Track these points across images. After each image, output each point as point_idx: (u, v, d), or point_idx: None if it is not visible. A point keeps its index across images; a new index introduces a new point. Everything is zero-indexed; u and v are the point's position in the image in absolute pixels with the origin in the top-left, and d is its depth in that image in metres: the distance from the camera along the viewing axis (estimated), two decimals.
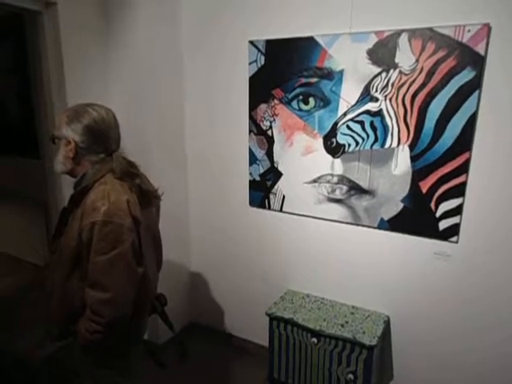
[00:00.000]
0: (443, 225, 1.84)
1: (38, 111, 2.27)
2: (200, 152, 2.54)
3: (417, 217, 1.89)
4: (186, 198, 2.63)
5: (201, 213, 2.63)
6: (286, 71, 2.08)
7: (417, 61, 1.75)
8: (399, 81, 1.80)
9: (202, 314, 2.77)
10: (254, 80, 2.20)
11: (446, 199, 1.81)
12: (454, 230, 1.82)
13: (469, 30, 1.63)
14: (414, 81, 1.77)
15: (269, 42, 2.10)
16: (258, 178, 2.32)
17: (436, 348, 1.98)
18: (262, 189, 2.31)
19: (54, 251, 1.31)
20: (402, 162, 1.87)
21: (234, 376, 2.40)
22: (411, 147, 1.84)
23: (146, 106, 2.28)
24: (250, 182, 2.35)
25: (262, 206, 2.34)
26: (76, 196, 1.25)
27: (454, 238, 1.83)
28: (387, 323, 2.05)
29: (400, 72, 1.80)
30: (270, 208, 2.32)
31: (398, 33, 1.77)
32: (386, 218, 1.97)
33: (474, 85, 1.66)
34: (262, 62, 2.15)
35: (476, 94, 1.66)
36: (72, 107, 1.29)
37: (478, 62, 1.64)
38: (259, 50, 2.14)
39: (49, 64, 2.03)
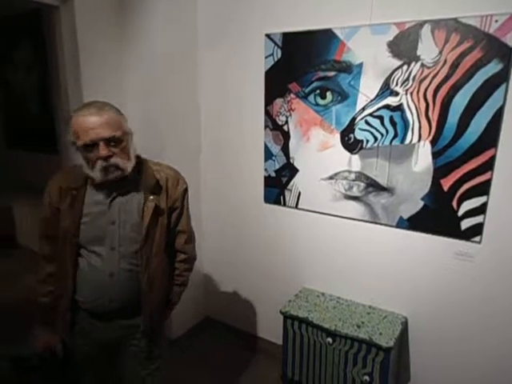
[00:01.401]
0: (465, 224, 1.76)
1: (55, 107, 2.29)
2: (214, 147, 2.52)
3: (438, 215, 1.82)
4: (198, 193, 2.61)
5: (214, 208, 2.62)
6: (303, 65, 2.03)
7: (440, 53, 1.68)
8: (421, 74, 1.74)
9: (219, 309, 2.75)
10: (270, 74, 2.16)
11: (469, 198, 1.74)
12: (476, 230, 1.75)
13: (496, 20, 1.55)
14: (436, 74, 1.70)
15: (286, 35, 2.06)
16: (273, 174, 2.28)
17: (455, 350, 1.92)
18: (278, 185, 2.28)
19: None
20: (422, 158, 1.81)
21: (248, 374, 2.38)
22: (433, 143, 1.77)
23: (161, 100, 2.27)
24: (265, 177, 2.32)
25: (277, 202, 2.31)
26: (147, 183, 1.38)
27: (477, 238, 1.75)
28: (405, 324, 1.99)
29: (422, 65, 1.73)
30: (285, 204, 2.28)
31: (421, 24, 1.70)
32: (405, 217, 1.90)
33: (501, 78, 1.58)
34: (279, 56, 2.10)
35: (503, 87, 1.58)
36: (103, 103, 1.27)
37: (505, 53, 1.55)
38: (276, 44, 2.10)
39: (65, 59, 2.04)
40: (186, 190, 1.47)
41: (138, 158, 1.38)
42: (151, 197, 1.35)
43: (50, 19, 2.05)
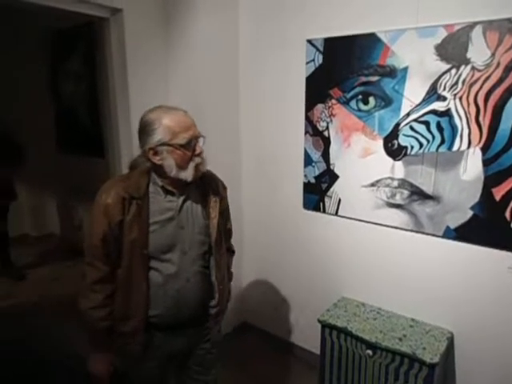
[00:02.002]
0: None
1: (103, 114, 2.40)
2: (254, 152, 2.53)
3: (488, 226, 1.72)
4: (239, 199, 2.64)
5: (254, 214, 2.63)
6: (345, 70, 2.00)
7: (492, 55, 1.59)
8: (471, 78, 1.66)
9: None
10: (311, 80, 2.15)
11: None
12: None
13: None
14: (488, 77, 1.62)
15: (327, 41, 2.04)
16: (312, 181, 2.26)
17: (506, 370, 1.79)
18: (317, 191, 2.25)
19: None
20: (472, 166, 1.72)
21: (283, 381, 2.36)
22: (484, 150, 1.68)
23: (204, 107, 2.31)
24: (304, 184, 2.30)
25: (316, 209, 2.28)
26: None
27: None
28: (451, 340, 1.89)
29: (472, 68, 1.65)
30: (324, 211, 2.25)
31: (471, 25, 1.62)
32: (452, 227, 1.82)
33: None
34: (320, 61, 2.09)
35: None
36: (170, 107, 1.30)
37: None
38: (317, 49, 2.08)
39: (114, 68, 2.14)
40: (226, 189, 1.54)
41: None
42: (214, 198, 1.40)
43: (100, 31, 2.15)
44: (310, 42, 2.10)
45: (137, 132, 1.28)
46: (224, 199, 1.48)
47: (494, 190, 1.68)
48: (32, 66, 3.85)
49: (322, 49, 2.07)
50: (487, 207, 1.71)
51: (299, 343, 2.55)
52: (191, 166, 1.25)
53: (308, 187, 2.29)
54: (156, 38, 2.26)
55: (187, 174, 1.25)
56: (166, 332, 1.35)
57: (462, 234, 1.80)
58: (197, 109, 2.33)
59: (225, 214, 1.51)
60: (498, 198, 1.68)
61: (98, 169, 3.13)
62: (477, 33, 1.61)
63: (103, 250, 1.25)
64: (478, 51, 1.62)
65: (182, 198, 1.32)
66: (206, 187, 1.40)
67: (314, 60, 2.11)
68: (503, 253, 1.71)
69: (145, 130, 1.24)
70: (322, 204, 2.25)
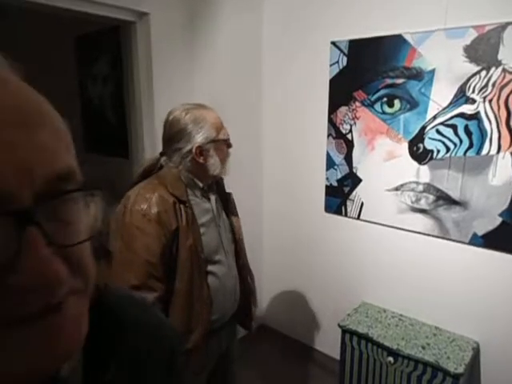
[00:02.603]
0: None
1: (128, 116, 2.45)
2: (276, 154, 2.53)
3: None
4: (260, 199, 2.64)
5: (274, 216, 2.62)
6: (370, 72, 1.97)
7: None
8: (502, 80, 1.60)
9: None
10: (334, 82, 2.13)
11: None
12: None
13: None
14: None
15: (352, 43, 2.01)
16: (334, 184, 2.23)
17: None
18: (339, 195, 2.22)
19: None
20: (502, 171, 1.66)
21: None
22: None
23: (228, 109, 2.32)
24: (326, 187, 2.28)
25: (338, 212, 2.25)
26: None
27: None
28: (476, 350, 1.83)
29: (504, 70, 1.59)
30: (346, 215, 2.22)
31: (503, 26, 1.57)
32: (479, 233, 1.76)
33: None
34: (344, 64, 2.06)
35: None
36: (199, 104, 1.31)
37: None
38: (341, 51, 2.06)
39: (139, 72, 2.17)
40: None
41: None
42: (227, 194, 1.42)
43: (127, 34, 2.20)
44: (334, 43, 2.08)
45: (166, 134, 1.23)
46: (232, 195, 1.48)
47: None
48: (60, 70, 3.97)
49: (346, 51, 2.04)
50: None
51: (318, 347, 2.52)
52: (227, 163, 1.28)
53: (330, 190, 2.26)
54: (181, 41, 2.29)
55: (224, 171, 1.27)
56: (218, 334, 1.32)
57: (490, 241, 1.74)
58: (221, 111, 2.34)
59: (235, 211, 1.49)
60: None
61: (123, 169, 3.20)
62: (509, 33, 1.56)
63: (162, 266, 1.12)
64: (510, 53, 1.57)
65: (213, 198, 1.32)
66: (219, 188, 1.40)
67: (338, 62, 2.09)
68: None
69: (186, 129, 1.18)
70: (344, 207, 2.22)
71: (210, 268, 1.24)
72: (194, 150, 1.19)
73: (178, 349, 0.48)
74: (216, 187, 1.37)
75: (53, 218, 0.27)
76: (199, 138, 1.18)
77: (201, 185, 1.26)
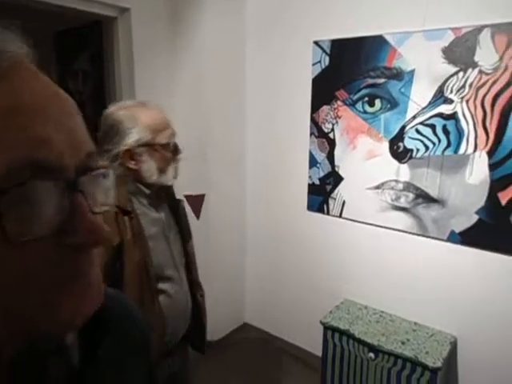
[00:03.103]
0: None
1: None
2: (259, 153, 2.53)
3: (494, 231, 1.71)
4: (243, 199, 2.64)
5: (257, 214, 2.63)
6: (352, 72, 2.00)
7: (500, 59, 1.59)
8: (479, 81, 1.65)
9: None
10: (317, 81, 2.15)
11: None
12: None
13: None
14: (496, 81, 1.61)
15: (334, 42, 2.03)
16: (317, 182, 2.25)
17: (509, 377, 1.78)
18: (321, 193, 2.25)
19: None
20: (478, 169, 1.71)
21: (285, 383, 2.35)
22: (490, 154, 1.67)
23: (210, 107, 2.32)
24: (308, 185, 2.30)
25: (320, 210, 2.28)
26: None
27: None
28: (454, 345, 1.88)
29: (480, 71, 1.64)
30: (328, 213, 2.24)
31: (479, 29, 1.62)
32: (457, 231, 1.81)
33: None
34: (327, 63, 2.08)
35: None
36: (143, 102, 1.16)
37: None
38: (324, 51, 2.08)
39: (121, 67, 2.15)
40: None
41: None
42: (176, 200, 1.27)
43: (108, 30, 2.17)
44: (316, 43, 2.10)
45: (98, 133, 1.09)
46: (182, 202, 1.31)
47: (499, 195, 1.67)
48: (39, 65, 3.88)
49: (328, 50, 2.06)
50: (493, 212, 1.70)
51: (301, 345, 2.54)
52: (171, 169, 1.11)
53: (312, 189, 2.28)
54: (164, 37, 2.27)
55: (168, 178, 1.11)
56: (170, 355, 1.19)
57: (467, 238, 1.78)
58: (203, 109, 2.35)
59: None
60: (503, 202, 1.67)
61: None
62: (485, 36, 1.61)
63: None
64: (486, 54, 1.61)
65: (163, 206, 1.19)
66: (166, 190, 1.24)
67: (320, 61, 2.11)
68: (509, 257, 1.70)
69: (116, 129, 1.05)
70: (326, 206, 2.24)
71: (161, 286, 1.12)
72: (120, 154, 1.05)
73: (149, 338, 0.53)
74: (165, 194, 1.23)
75: (85, 188, 0.32)
76: (129, 140, 1.04)
77: (147, 192, 1.12)
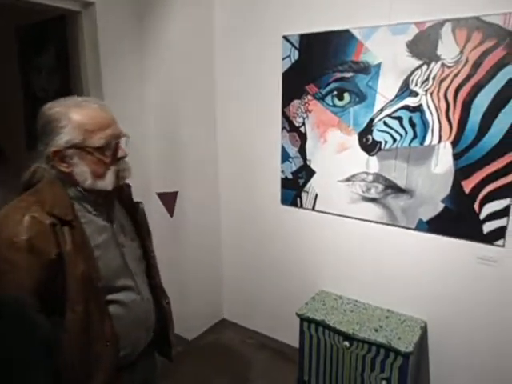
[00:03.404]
0: (488, 227, 1.72)
1: None
2: (231, 149, 2.53)
3: (459, 218, 1.78)
4: (217, 196, 2.63)
5: (231, 210, 2.63)
6: (321, 66, 2.02)
7: (461, 52, 1.64)
8: (441, 74, 1.70)
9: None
10: (287, 76, 2.16)
11: (492, 200, 1.69)
12: (499, 233, 1.70)
13: None
14: (457, 73, 1.67)
15: (303, 37, 2.05)
16: (290, 176, 2.27)
17: (477, 358, 1.86)
18: (294, 187, 2.27)
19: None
20: (443, 159, 1.77)
21: (263, 376, 2.37)
22: (454, 144, 1.73)
23: (180, 102, 2.30)
24: (281, 179, 2.31)
25: (293, 204, 2.30)
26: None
27: (500, 242, 1.70)
28: (424, 329, 1.95)
29: (442, 64, 1.69)
30: (302, 206, 2.27)
31: (441, 23, 1.67)
32: (424, 219, 1.87)
33: None
34: (296, 57, 2.10)
35: None
36: (83, 98, 1.05)
37: None
38: (293, 45, 2.09)
39: (87, 63, 2.09)
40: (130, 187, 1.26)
41: None
42: (135, 203, 1.19)
43: (72, 25, 2.10)
44: (285, 38, 2.11)
45: (38, 132, 1.00)
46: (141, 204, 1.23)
47: (463, 183, 1.74)
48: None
49: (297, 45, 2.08)
50: (457, 200, 1.77)
51: (278, 337, 2.57)
52: (110, 172, 1.00)
53: (285, 183, 2.30)
54: (131, 32, 2.23)
55: (106, 183, 1.00)
56: (132, 368, 1.12)
57: (434, 226, 1.85)
58: (174, 105, 2.32)
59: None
60: (467, 190, 1.74)
61: None
62: (446, 30, 1.66)
63: (39, 304, 0.88)
64: (448, 48, 1.67)
65: (114, 211, 1.10)
66: (121, 194, 1.16)
67: (289, 56, 2.12)
68: (473, 243, 1.77)
69: (49, 128, 0.95)
70: (299, 199, 2.27)
71: (113, 296, 1.03)
72: (50, 155, 0.96)
73: None
74: (119, 196, 1.15)
75: None
76: (59, 141, 0.94)
77: (92, 197, 1.02)
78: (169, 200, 2.44)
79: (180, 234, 2.48)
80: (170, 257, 2.40)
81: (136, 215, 1.19)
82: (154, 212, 2.40)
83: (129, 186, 1.21)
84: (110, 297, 1.02)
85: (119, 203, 1.15)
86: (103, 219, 1.05)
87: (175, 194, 2.42)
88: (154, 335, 1.20)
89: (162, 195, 2.46)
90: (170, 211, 2.46)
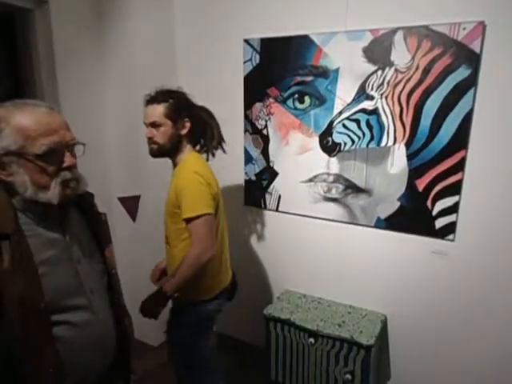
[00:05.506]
0: (440, 223, 1.83)
1: None
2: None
3: (413, 215, 1.88)
4: None
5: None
6: (281, 70, 2.06)
7: (412, 59, 1.74)
8: (395, 79, 1.80)
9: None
10: (248, 79, 2.19)
11: (443, 197, 1.80)
12: (450, 229, 1.82)
13: (464, 28, 1.63)
14: (409, 79, 1.77)
15: (264, 41, 2.09)
16: (253, 178, 2.30)
17: (433, 348, 1.97)
18: (258, 188, 2.30)
19: None
20: (398, 160, 1.87)
21: (231, 379, 2.37)
22: (407, 145, 1.83)
23: (140, 104, 2.25)
24: (245, 181, 2.34)
25: (257, 205, 2.33)
26: None
27: (451, 236, 1.82)
28: (384, 323, 2.04)
29: (396, 70, 1.79)
30: (265, 207, 2.30)
31: (394, 31, 1.76)
32: (382, 217, 1.96)
33: (470, 83, 1.66)
34: (257, 61, 2.13)
35: (472, 91, 1.66)
36: (29, 101, 0.96)
37: (473, 59, 1.63)
38: (254, 49, 2.12)
39: (40, 66, 2.00)
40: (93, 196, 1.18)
41: None
42: (99, 214, 1.12)
43: (23, 24, 2.00)
44: (246, 41, 2.14)
45: None
46: (102, 215, 1.16)
47: (417, 182, 1.84)
48: None
49: (258, 49, 2.11)
50: (412, 198, 1.87)
51: (245, 339, 2.58)
52: (54, 184, 0.90)
53: (249, 184, 2.33)
54: (88, 33, 2.16)
55: (49, 195, 0.90)
56: None
57: (391, 223, 1.94)
58: (135, 107, 2.27)
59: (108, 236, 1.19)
60: (420, 189, 1.84)
61: None
62: (399, 38, 1.76)
63: None
64: (400, 54, 1.77)
65: (70, 223, 1.02)
66: (82, 203, 1.09)
67: (251, 59, 2.15)
68: (427, 238, 1.88)
69: None
70: (263, 200, 2.30)
71: (60, 317, 0.94)
72: None
73: None
74: (80, 206, 1.07)
75: None
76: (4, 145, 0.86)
77: (39, 208, 0.93)
78: (131, 204, 2.39)
79: (142, 238, 2.43)
80: (132, 259, 2.36)
81: (97, 227, 1.11)
82: (121, 215, 2.34)
83: (91, 195, 1.14)
84: (56, 317, 0.92)
85: (80, 213, 1.08)
86: (54, 232, 0.96)
87: (138, 197, 2.37)
88: (115, 358, 1.09)
89: (123, 199, 2.40)
90: (133, 216, 2.41)
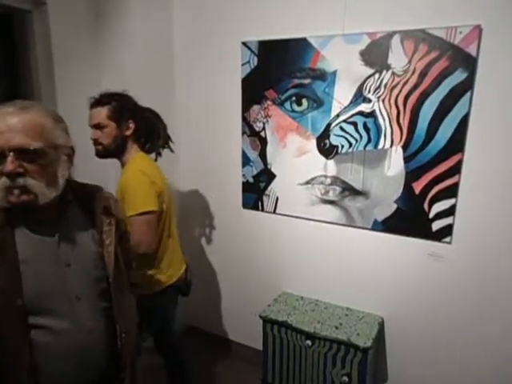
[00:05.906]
0: (436, 226, 1.84)
1: None
2: (192, 153, 2.52)
3: (410, 218, 1.89)
4: (177, 200, 2.60)
5: (193, 214, 2.61)
6: (279, 72, 2.07)
7: (409, 62, 1.76)
8: (392, 82, 1.81)
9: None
10: (246, 81, 2.19)
11: (439, 200, 1.81)
12: (447, 231, 1.82)
13: (460, 32, 1.64)
14: (406, 82, 1.78)
15: (262, 43, 2.09)
16: (251, 180, 2.30)
17: (430, 349, 1.98)
18: (256, 190, 2.30)
19: None
20: (395, 163, 1.87)
21: (228, 381, 2.37)
22: (404, 148, 1.84)
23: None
24: (243, 183, 2.34)
25: (255, 207, 2.33)
26: None
27: (448, 239, 1.83)
28: (381, 325, 2.04)
29: (393, 73, 1.80)
30: (263, 210, 2.30)
31: (391, 34, 1.77)
32: (379, 220, 1.96)
33: (466, 86, 1.67)
34: (255, 63, 2.14)
35: (468, 94, 1.67)
36: (34, 103, 1.01)
37: (469, 63, 1.64)
38: (252, 51, 2.13)
39: (38, 68, 2.00)
40: (118, 202, 1.20)
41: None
42: (107, 219, 1.07)
43: (21, 25, 2.00)
44: (244, 44, 2.14)
45: None
46: (121, 220, 1.15)
47: (414, 185, 1.85)
48: None
49: (256, 51, 2.12)
50: (409, 200, 1.87)
51: (243, 341, 2.58)
52: (12, 193, 0.88)
53: (246, 186, 2.33)
54: (86, 34, 2.16)
55: (15, 198, 0.88)
56: None
57: (388, 225, 1.95)
58: None
59: (125, 237, 1.18)
60: (417, 191, 1.85)
61: None
62: (396, 41, 1.77)
63: None
64: (397, 58, 1.78)
65: (59, 226, 0.99)
66: (91, 205, 1.07)
67: (249, 62, 2.15)
68: (423, 241, 1.89)
69: None
70: (260, 203, 2.30)
71: (37, 320, 0.91)
72: None
73: None
74: (91, 207, 1.06)
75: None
76: None
77: (19, 210, 0.92)
78: None
79: None
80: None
81: (101, 233, 1.06)
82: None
83: (106, 198, 1.10)
84: (35, 320, 0.91)
85: (84, 214, 1.05)
86: (43, 232, 0.95)
87: None
88: (105, 378, 1.04)
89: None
90: None
